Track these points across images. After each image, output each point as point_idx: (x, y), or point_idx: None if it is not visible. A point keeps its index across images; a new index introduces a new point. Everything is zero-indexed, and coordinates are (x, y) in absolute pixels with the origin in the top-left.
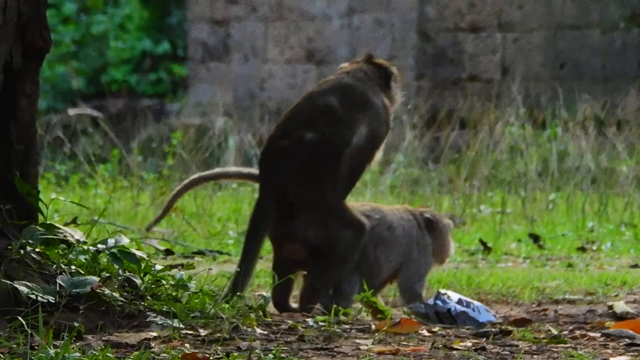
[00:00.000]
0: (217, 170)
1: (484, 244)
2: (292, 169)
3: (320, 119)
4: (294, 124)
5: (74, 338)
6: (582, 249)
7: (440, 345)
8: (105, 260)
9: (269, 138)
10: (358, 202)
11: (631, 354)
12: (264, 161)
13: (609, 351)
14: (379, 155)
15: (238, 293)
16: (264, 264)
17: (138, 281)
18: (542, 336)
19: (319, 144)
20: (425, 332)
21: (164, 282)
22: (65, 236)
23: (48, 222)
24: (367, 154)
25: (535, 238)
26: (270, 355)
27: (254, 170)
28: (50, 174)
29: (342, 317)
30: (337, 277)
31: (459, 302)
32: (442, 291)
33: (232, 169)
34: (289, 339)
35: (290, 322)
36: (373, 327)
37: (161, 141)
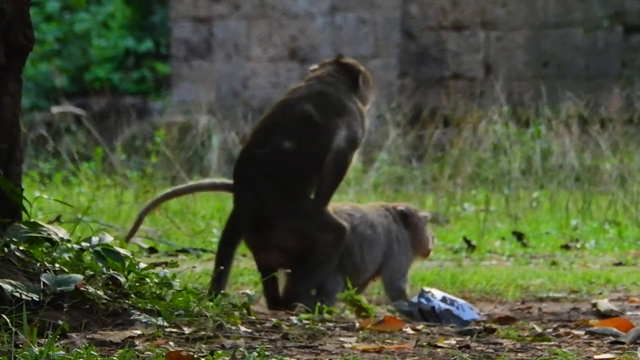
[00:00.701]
0: (191, 184)
1: (467, 242)
2: (270, 178)
3: (298, 127)
4: (269, 132)
5: (58, 336)
6: (566, 247)
7: (424, 343)
8: (89, 258)
9: (244, 147)
10: (339, 202)
11: (615, 351)
12: (239, 170)
13: (593, 349)
14: (354, 159)
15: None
16: (248, 262)
17: (122, 279)
18: (526, 334)
19: (298, 153)
20: (409, 330)
21: (148, 280)
22: (49, 234)
23: (32, 220)
24: (346, 159)
25: (519, 236)
26: (255, 353)
27: (228, 181)
28: (34, 172)
29: (326, 316)
30: (318, 280)
31: (443, 300)
32: (426, 289)
33: (206, 181)
34: (273, 337)
35: (274, 320)
36: (357, 325)
37: (144, 139)
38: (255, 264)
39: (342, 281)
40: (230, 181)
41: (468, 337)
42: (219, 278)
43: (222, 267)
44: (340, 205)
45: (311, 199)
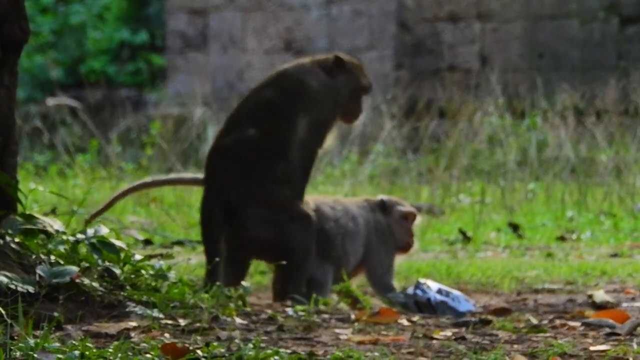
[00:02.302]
0: (172, 176)
1: (463, 233)
2: (236, 167)
3: (259, 113)
4: (235, 121)
5: (53, 328)
6: (562, 239)
7: (420, 335)
8: (84, 250)
9: (214, 138)
10: (321, 195)
11: (611, 343)
12: (207, 162)
13: (589, 340)
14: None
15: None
16: None
17: (117, 271)
18: (521, 326)
19: (262, 140)
20: (404, 322)
21: (143, 272)
22: (44, 226)
23: (27, 212)
24: (314, 142)
25: (515, 228)
26: (250, 345)
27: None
28: (29, 164)
29: (322, 307)
30: (305, 274)
31: (439, 291)
32: (422, 281)
33: (188, 175)
34: (268, 329)
35: (269, 312)
36: (352, 317)
37: (140, 132)
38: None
39: (331, 271)
40: None
41: (464, 329)
42: (214, 270)
43: (217, 259)
44: (322, 198)
45: (280, 188)
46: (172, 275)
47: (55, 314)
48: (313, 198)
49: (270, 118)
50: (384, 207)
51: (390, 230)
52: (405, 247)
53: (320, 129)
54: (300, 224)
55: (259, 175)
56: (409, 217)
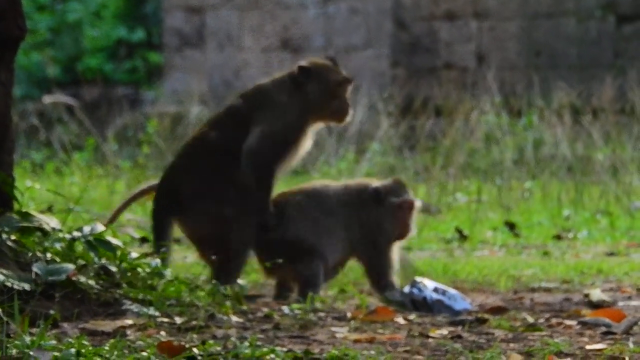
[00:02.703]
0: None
1: (459, 232)
2: (188, 163)
3: (225, 119)
4: (204, 124)
5: (49, 326)
6: (558, 237)
7: (416, 334)
8: (80, 248)
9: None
10: (305, 184)
11: (607, 342)
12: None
13: (585, 339)
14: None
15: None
16: None
17: (114, 269)
18: (518, 324)
19: (218, 142)
20: (401, 321)
21: (139, 270)
22: (40, 224)
23: (23, 210)
24: (266, 154)
25: (511, 226)
26: (246, 343)
27: None
28: (26, 161)
29: (318, 306)
30: (238, 269)
31: (435, 290)
32: (418, 279)
33: None
34: (264, 327)
35: (266, 310)
36: (349, 315)
37: (136, 129)
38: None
39: (320, 267)
40: None
41: (460, 328)
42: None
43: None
44: (300, 189)
45: (227, 189)
46: (168, 273)
47: (52, 311)
48: (298, 188)
49: (231, 125)
50: (378, 198)
51: (381, 221)
52: (401, 237)
53: (273, 142)
54: (239, 224)
55: (208, 174)
56: (403, 206)
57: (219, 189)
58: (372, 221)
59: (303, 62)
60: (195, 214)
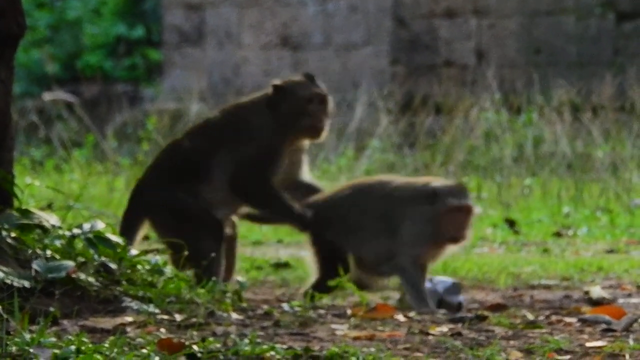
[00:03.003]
0: None
1: None
2: (156, 169)
3: (201, 131)
4: (181, 134)
5: (49, 323)
6: (558, 235)
7: (416, 331)
8: (80, 245)
9: None
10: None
11: (607, 339)
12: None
13: (585, 336)
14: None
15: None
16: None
17: (114, 266)
18: (518, 322)
19: (188, 154)
20: (401, 318)
21: (139, 267)
22: (40, 221)
23: (23, 207)
24: (252, 177)
25: (511, 223)
26: (246, 340)
27: None
28: (26, 159)
29: (318, 303)
30: (211, 272)
31: (430, 280)
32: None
33: None
34: (264, 324)
35: (265, 307)
36: (349, 312)
37: (136, 127)
38: (248, 251)
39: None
40: None
41: (460, 325)
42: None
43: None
44: (332, 192)
45: (190, 198)
46: (168, 270)
47: (51, 309)
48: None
49: (204, 138)
50: (434, 198)
51: (435, 222)
52: (454, 240)
53: (249, 166)
54: (207, 239)
55: (172, 181)
56: (461, 210)
57: (182, 200)
58: (425, 220)
59: (277, 81)
60: (161, 219)
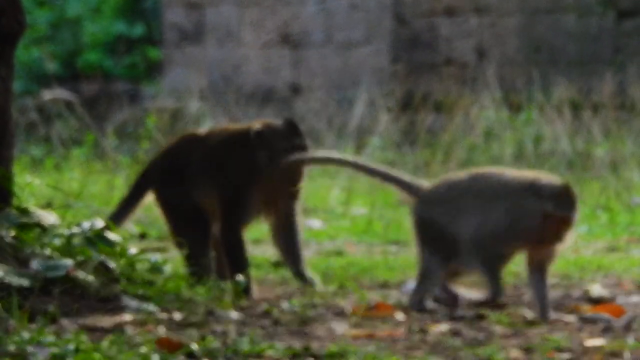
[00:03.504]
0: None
1: None
2: (139, 185)
3: (186, 148)
4: (168, 150)
5: (48, 322)
6: None
7: (416, 329)
8: (80, 244)
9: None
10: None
11: (607, 337)
12: None
13: (585, 335)
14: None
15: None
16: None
17: (113, 265)
18: (517, 320)
19: (161, 178)
20: (400, 317)
21: (138, 265)
22: (39, 220)
23: (23, 205)
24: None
25: None
26: (245, 339)
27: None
28: (25, 157)
29: (317, 301)
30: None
31: None
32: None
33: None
34: (263, 323)
35: (265, 306)
36: (348, 311)
37: (136, 125)
38: (253, 251)
39: (440, 262)
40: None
41: (459, 323)
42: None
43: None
44: (445, 180)
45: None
46: (167, 269)
47: (50, 307)
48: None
49: (194, 154)
50: (557, 196)
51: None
52: (547, 244)
53: (223, 203)
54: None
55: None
56: (564, 220)
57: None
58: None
59: (258, 125)
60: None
